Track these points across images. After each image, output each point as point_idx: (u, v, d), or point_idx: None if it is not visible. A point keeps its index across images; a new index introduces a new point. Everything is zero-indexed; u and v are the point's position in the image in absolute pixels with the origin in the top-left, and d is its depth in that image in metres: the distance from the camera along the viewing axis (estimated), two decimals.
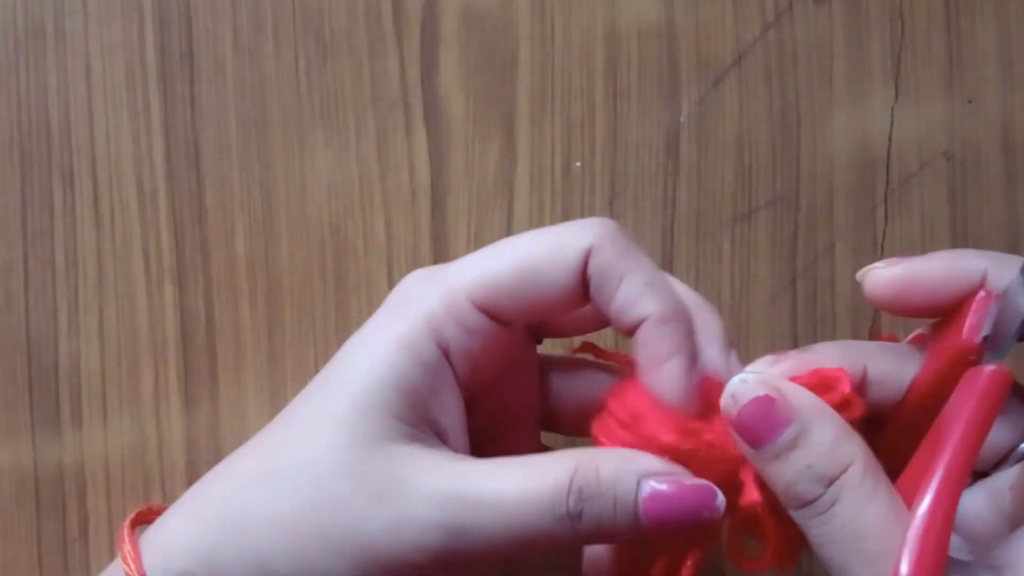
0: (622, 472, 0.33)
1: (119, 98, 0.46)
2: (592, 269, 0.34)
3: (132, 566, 0.34)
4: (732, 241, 0.46)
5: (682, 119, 0.46)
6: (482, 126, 0.46)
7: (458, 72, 0.46)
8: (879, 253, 0.46)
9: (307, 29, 0.46)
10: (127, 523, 0.36)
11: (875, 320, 0.46)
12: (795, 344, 0.46)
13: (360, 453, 0.33)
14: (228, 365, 0.45)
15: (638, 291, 0.34)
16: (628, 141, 0.46)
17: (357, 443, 0.33)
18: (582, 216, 0.46)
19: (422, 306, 0.34)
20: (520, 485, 0.33)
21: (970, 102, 0.46)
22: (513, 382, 0.38)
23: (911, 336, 0.37)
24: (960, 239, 0.46)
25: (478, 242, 0.46)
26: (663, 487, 0.32)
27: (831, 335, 0.46)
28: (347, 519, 0.33)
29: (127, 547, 0.35)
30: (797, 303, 0.46)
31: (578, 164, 0.46)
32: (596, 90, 0.46)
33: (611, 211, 0.46)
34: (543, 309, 0.35)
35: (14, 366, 0.45)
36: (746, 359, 0.46)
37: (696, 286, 0.46)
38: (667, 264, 0.46)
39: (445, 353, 0.34)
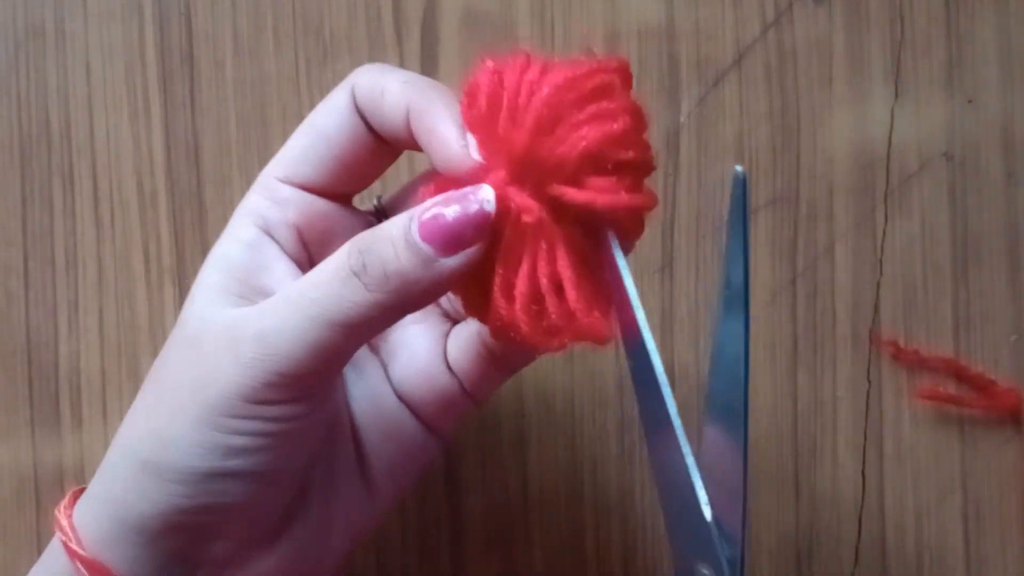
0: (396, 219, 0.33)
1: (119, 98, 0.46)
2: (359, 102, 0.35)
3: (70, 534, 0.35)
4: None
5: (682, 119, 0.46)
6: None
7: (458, 72, 0.46)
8: (879, 253, 0.46)
9: (307, 29, 0.46)
10: (66, 500, 0.37)
11: (875, 320, 0.46)
12: (795, 345, 0.46)
13: (188, 323, 0.35)
14: None
15: (398, 90, 0.34)
16: None
17: (187, 318, 0.35)
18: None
19: (243, 203, 0.37)
20: (308, 275, 0.33)
21: (970, 102, 0.46)
22: None
23: None
24: (960, 239, 0.46)
25: None
26: (430, 208, 0.32)
27: (831, 335, 0.46)
28: (175, 378, 0.34)
29: (61, 517, 0.35)
30: (797, 303, 0.46)
31: None
32: None
33: None
34: (339, 163, 0.36)
35: (14, 366, 0.45)
36: None
37: (696, 286, 0.46)
38: (667, 264, 0.46)
39: (267, 231, 0.36)
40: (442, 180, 0.33)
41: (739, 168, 0.29)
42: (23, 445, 0.45)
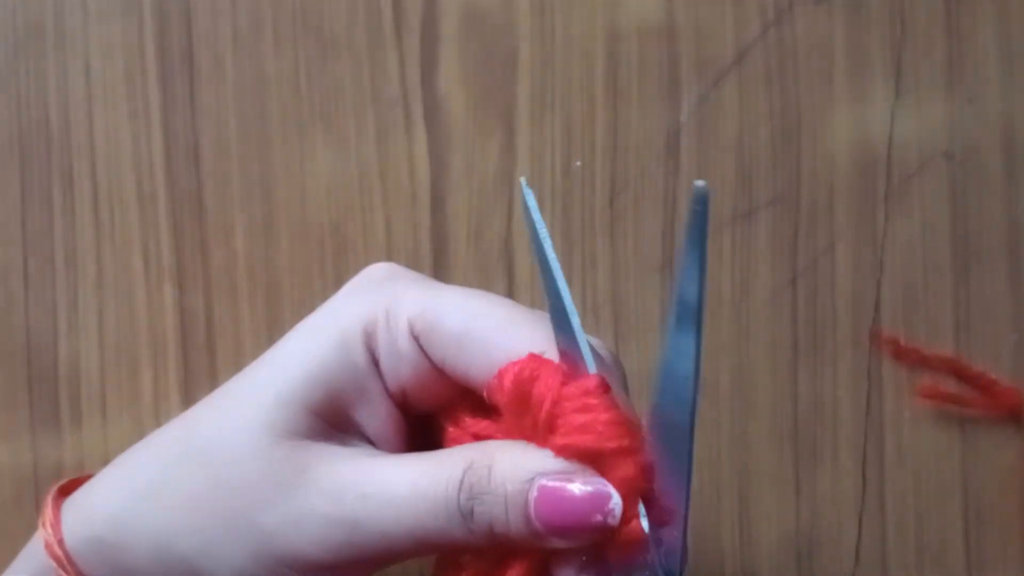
0: (516, 467, 0.31)
1: (119, 98, 0.46)
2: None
3: (50, 530, 0.34)
4: (732, 241, 0.46)
5: (682, 119, 0.46)
6: (482, 126, 0.46)
7: (458, 72, 0.46)
8: (879, 253, 0.46)
9: (307, 29, 0.46)
10: (54, 490, 0.37)
11: (875, 320, 0.46)
12: (795, 345, 0.46)
13: (272, 441, 0.33)
14: (228, 365, 0.45)
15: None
16: (628, 141, 0.46)
17: (272, 432, 0.33)
18: (583, 217, 0.46)
19: (362, 308, 0.34)
20: (415, 479, 0.32)
21: (970, 101, 0.46)
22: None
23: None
24: (960, 239, 0.46)
25: (478, 242, 0.46)
26: (555, 484, 0.31)
27: (831, 335, 0.46)
28: (248, 505, 0.33)
29: (48, 512, 0.35)
30: (797, 303, 0.46)
31: (578, 164, 0.46)
32: (596, 90, 0.46)
33: (611, 211, 0.46)
34: (470, 376, 0.33)
35: (14, 366, 0.45)
36: (746, 358, 0.46)
37: None
38: (667, 264, 0.46)
39: (376, 362, 0.34)
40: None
41: (699, 183, 0.28)
42: (22, 445, 0.45)
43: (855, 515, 0.46)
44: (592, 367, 0.32)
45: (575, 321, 0.32)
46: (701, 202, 0.28)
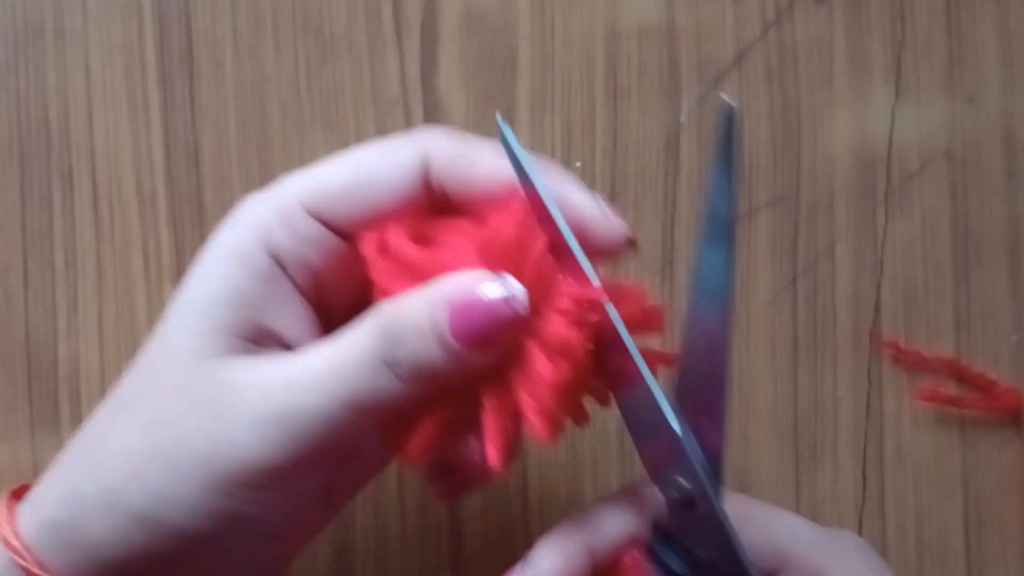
0: (424, 299, 0.31)
1: (118, 98, 0.46)
2: (437, 163, 0.33)
3: (5, 526, 0.34)
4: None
5: (682, 119, 0.46)
6: (482, 126, 0.46)
7: (458, 72, 0.46)
8: (879, 253, 0.46)
9: (307, 29, 0.46)
10: (6, 493, 0.36)
11: (876, 320, 0.46)
12: (795, 345, 0.46)
13: (192, 371, 0.33)
14: None
15: (494, 161, 0.33)
16: (628, 141, 0.46)
17: (190, 362, 0.33)
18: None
19: (252, 215, 0.34)
20: (335, 350, 0.32)
21: (971, 102, 0.46)
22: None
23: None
24: (961, 239, 0.46)
25: None
26: (463, 296, 0.31)
27: (831, 335, 0.46)
28: (181, 436, 0.32)
29: (2, 510, 0.34)
30: (797, 303, 0.46)
31: (578, 164, 0.46)
32: (596, 90, 0.46)
33: None
34: (379, 213, 0.33)
35: (14, 366, 0.45)
36: (746, 358, 0.46)
37: None
38: (667, 264, 0.46)
39: (279, 262, 0.34)
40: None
41: (728, 99, 0.29)
42: (22, 445, 0.45)
43: (855, 515, 0.46)
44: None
45: (574, 244, 0.32)
46: (728, 119, 0.29)
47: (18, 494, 0.36)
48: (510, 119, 0.46)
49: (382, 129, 0.46)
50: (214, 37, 0.46)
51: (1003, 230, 0.46)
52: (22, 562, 0.33)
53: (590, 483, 0.46)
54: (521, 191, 0.32)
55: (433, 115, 0.46)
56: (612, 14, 0.46)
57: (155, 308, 0.45)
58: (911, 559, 0.46)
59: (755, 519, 0.34)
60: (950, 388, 0.46)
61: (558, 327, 0.31)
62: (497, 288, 0.31)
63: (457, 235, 0.33)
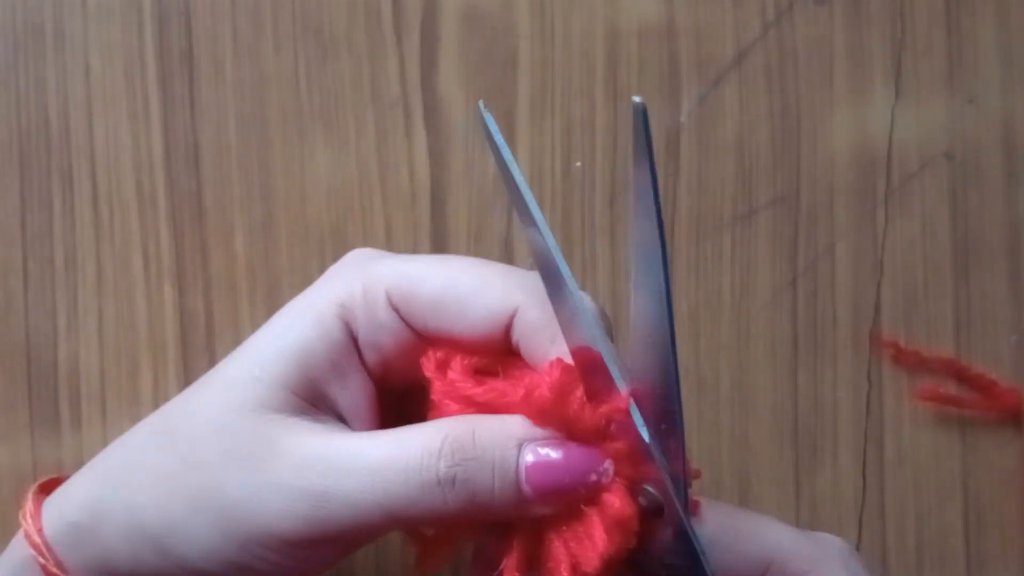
0: (501, 435, 0.31)
1: (118, 98, 0.46)
2: (520, 326, 0.33)
3: (30, 521, 0.35)
4: (732, 241, 0.46)
5: (682, 119, 0.46)
6: (482, 126, 0.46)
7: (458, 72, 0.46)
8: (879, 253, 0.46)
9: (307, 29, 0.46)
10: (35, 487, 0.37)
11: (875, 321, 0.46)
12: (795, 345, 0.46)
13: (240, 417, 0.33)
14: None
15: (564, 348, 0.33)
16: (628, 141, 0.46)
17: (240, 407, 0.33)
18: (582, 216, 0.46)
19: (340, 284, 0.34)
20: (387, 449, 0.32)
21: (970, 102, 0.46)
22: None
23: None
24: (960, 239, 0.46)
25: (478, 242, 0.46)
26: (548, 451, 0.31)
27: (831, 335, 0.46)
28: (212, 481, 0.33)
29: (29, 506, 0.35)
30: (797, 303, 0.46)
31: (578, 164, 0.46)
32: (596, 90, 0.46)
33: (611, 211, 0.46)
34: (456, 336, 0.34)
35: (14, 367, 0.45)
36: (746, 358, 0.46)
37: (696, 286, 0.46)
38: (668, 262, 0.46)
39: (354, 337, 0.34)
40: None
41: (636, 99, 0.28)
42: (22, 445, 0.45)
43: (855, 515, 0.46)
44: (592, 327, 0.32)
45: (555, 249, 0.32)
46: (641, 117, 0.28)
47: (47, 487, 0.37)
48: (510, 119, 0.46)
49: (382, 129, 0.46)
50: (214, 37, 0.46)
51: (1003, 230, 0.46)
52: (41, 559, 0.34)
53: None
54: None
55: (433, 115, 0.46)
56: (612, 14, 0.46)
57: (155, 308, 0.45)
58: (911, 559, 0.46)
59: (737, 525, 0.34)
60: (950, 388, 0.46)
61: (619, 498, 0.31)
62: (587, 457, 0.31)
63: (512, 380, 0.34)
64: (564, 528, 0.32)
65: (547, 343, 0.33)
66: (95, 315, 0.45)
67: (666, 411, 0.31)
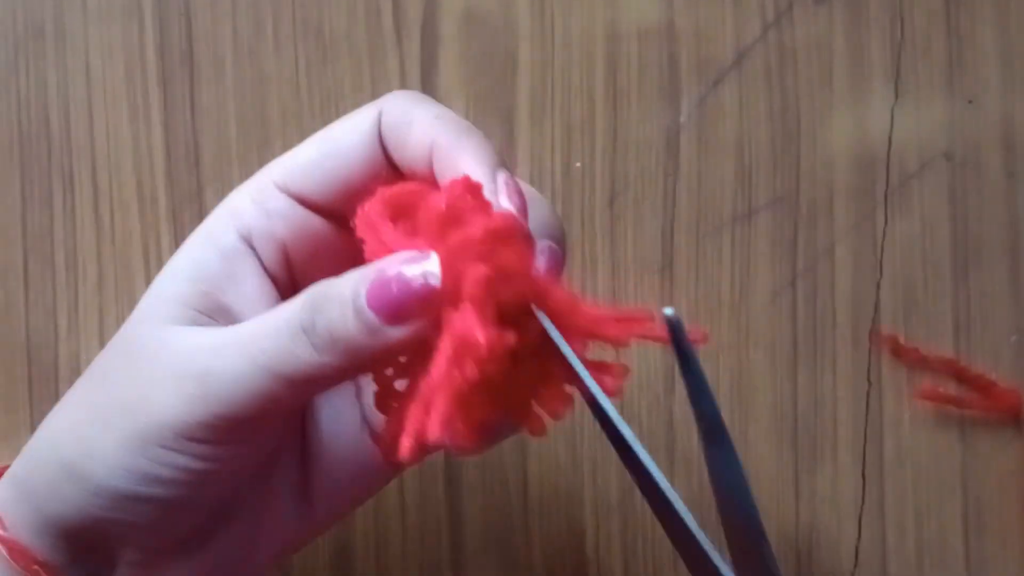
0: (353, 274, 0.31)
1: (119, 98, 0.46)
2: (384, 128, 0.34)
3: None
4: (732, 241, 0.46)
5: (682, 119, 0.46)
6: (482, 126, 0.45)
7: (458, 72, 0.46)
8: (879, 253, 0.46)
9: (307, 29, 0.46)
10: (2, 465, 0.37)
11: (875, 321, 0.46)
12: (795, 345, 0.46)
13: (137, 330, 0.34)
14: None
15: (427, 124, 0.33)
16: (628, 141, 0.46)
17: (138, 323, 0.34)
18: (583, 217, 0.46)
19: (230, 200, 0.35)
20: (262, 318, 0.32)
21: (970, 102, 0.46)
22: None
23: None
24: (960, 239, 0.46)
25: None
26: (384, 270, 0.30)
27: (831, 335, 0.46)
28: (111, 390, 0.33)
29: None
30: (797, 303, 0.46)
31: (578, 164, 0.46)
32: (596, 90, 0.46)
33: (611, 211, 0.46)
34: (348, 185, 0.34)
35: (14, 366, 0.45)
36: (746, 358, 0.46)
37: (696, 286, 0.46)
38: (667, 264, 0.46)
39: (248, 241, 0.35)
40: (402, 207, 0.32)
41: (668, 311, 0.28)
42: (23, 446, 0.45)
43: (855, 515, 0.46)
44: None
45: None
46: (675, 329, 0.28)
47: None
48: (510, 119, 0.46)
49: None
50: (214, 38, 0.46)
51: (1003, 231, 0.46)
52: None
53: (590, 483, 0.46)
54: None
55: None
56: (612, 14, 0.46)
57: None
58: (911, 559, 0.46)
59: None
60: (950, 388, 0.46)
61: (463, 320, 0.29)
62: (416, 263, 0.30)
63: (430, 212, 0.32)
64: (421, 362, 0.30)
65: (405, 129, 0.33)
66: (96, 315, 0.45)
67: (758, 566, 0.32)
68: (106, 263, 0.45)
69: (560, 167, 0.46)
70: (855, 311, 0.46)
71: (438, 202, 0.31)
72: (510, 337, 0.29)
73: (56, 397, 0.45)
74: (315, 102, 0.46)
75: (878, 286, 0.46)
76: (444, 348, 0.29)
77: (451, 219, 0.31)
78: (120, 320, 0.45)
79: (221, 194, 0.45)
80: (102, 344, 0.45)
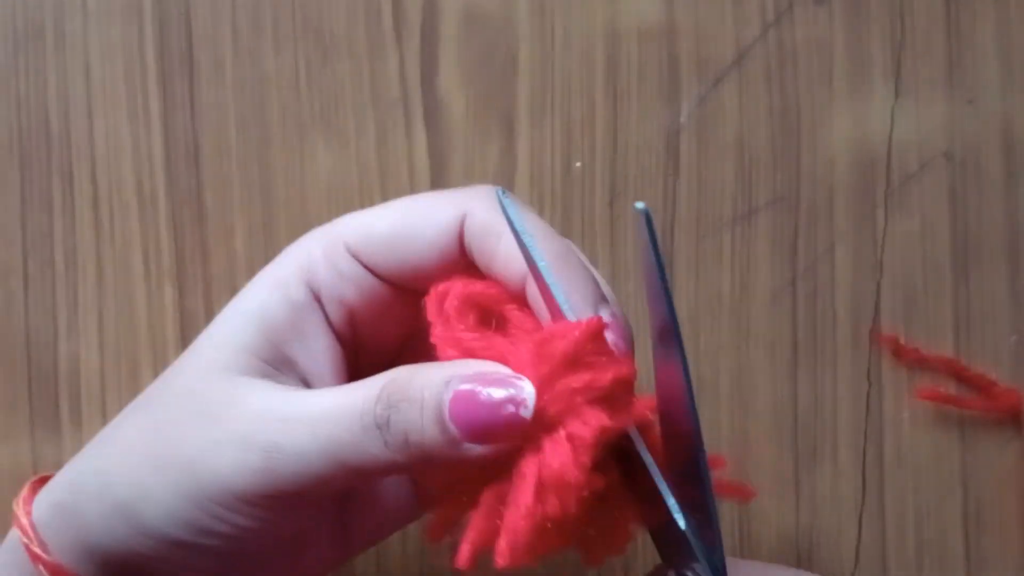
0: (435, 374, 0.31)
1: (118, 99, 0.46)
2: (468, 233, 0.33)
3: (21, 506, 0.35)
4: (732, 241, 0.46)
5: (682, 119, 0.46)
6: (482, 126, 0.46)
7: (458, 72, 0.46)
8: (879, 253, 0.46)
9: (307, 29, 0.46)
10: (35, 477, 0.37)
11: (875, 320, 0.46)
12: (795, 345, 0.46)
13: (204, 379, 0.33)
14: None
15: (512, 250, 0.33)
16: (628, 141, 0.46)
17: (205, 371, 0.34)
18: (583, 217, 0.46)
19: (300, 250, 0.35)
20: (332, 397, 0.32)
21: (970, 102, 0.46)
22: (411, 353, 0.36)
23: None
24: (960, 239, 0.46)
25: None
26: (470, 385, 0.30)
27: (831, 335, 0.46)
28: (175, 438, 0.33)
29: (24, 492, 0.36)
30: (797, 303, 0.46)
31: (578, 164, 0.46)
32: (596, 90, 0.46)
33: (611, 211, 0.46)
34: (418, 266, 0.34)
35: (14, 367, 0.45)
36: (746, 358, 0.46)
37: (696, 286, 0.46)
38: (667, 264, 0.46)
39: (317, 296, 0.34)
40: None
41: (639, 205, 0.28)
42: (22, 446, 0.45)
43: (855, 515, 0.46)
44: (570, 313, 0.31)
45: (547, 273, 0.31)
46: (646, 223, 0.28)
47: (45, 480, 0.37)
48: (510, 119, 0.46)
49: (382, 129, 0.46)
50: (214, 38, 0.46)
51: (1003, 231, 0.46)
52: (25, 540, 0.34)
53: None
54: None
55: (433, 115, 0.46)
56: (612, 14, 0.46)
57: (155, 308, 0.45)
58: (911, 559, 0.46)
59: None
60: (950, 388, 0.46)
61: (560, 458, 0.29)
62: (507, 387, 0.30)
63: (519, 327, 0.32)
64: (501, 482, 0.30)
65: (495, 241, 0.33)
66: (95, 315, 0.45)
67: (694, 478, 0.31)
68: (106, 263, 0.45)
69: (560, 167, 0.46)
70: (855, 311, 0.46)
71: (554, 335, 0.30)
72: (601, 480, 0.30)
73: (56, 397, 0.45)
74: (315, 102, 0.46)
75: (878, 286, 0.46)
76: (530, 476, 0.29)
77: (570, 358, 0.30)
78: (119, 320, 0.45)
79: (221, 194, 0.45)
80: (101, 344, 0.45)
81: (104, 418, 0.45)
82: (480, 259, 0.33)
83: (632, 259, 0.46)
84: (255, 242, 0.45)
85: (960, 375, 0.46)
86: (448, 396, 0.30)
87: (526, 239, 0.31)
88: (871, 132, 0.46)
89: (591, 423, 0.29)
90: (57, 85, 0.45)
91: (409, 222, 0.34)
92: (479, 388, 0.30)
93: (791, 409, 0.46)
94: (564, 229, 0.46)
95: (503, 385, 0.30)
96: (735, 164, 0.46)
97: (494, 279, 0.33)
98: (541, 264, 0.31)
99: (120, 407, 0.45)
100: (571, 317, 0.31)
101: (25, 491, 0.36)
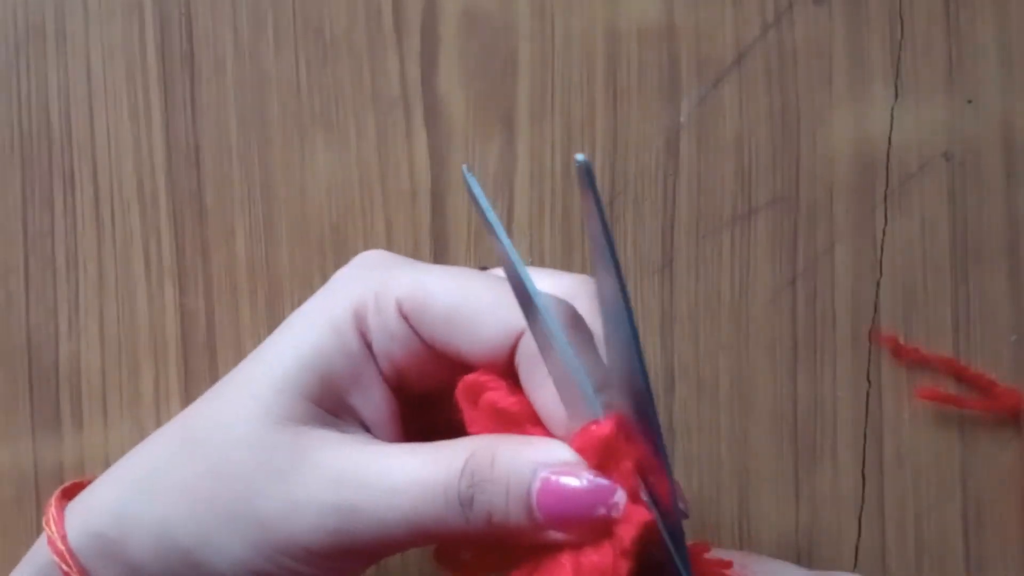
0: (519, 459, 0.31)
1: (119, 98, 0.46)
2: (522, 350, 0.33)
3: (54, 529, 0.35)
4: (732, 241, 0.46)
5: (682, 119, 0.46)
6: (482, 126, 0.46)
7: (458, 72, 0.46)
8: (879, 253, 0.46)
9: (307, 29, 0.46)
10: (58, 492, 0.37)
11: (875, 320, 0.46)
12: (795, 345, 0.46)
13: (269, 428, 0.33)
14: (228, 365, 0.45)
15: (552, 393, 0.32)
16: (628, 141, 0.46)
17: (268, 419, 0.33)
18: (582, 217, 0.46)
19: (353, 292, 0.35)
20: (415, 467, 0.32)
21: (970, 102, 0.46)
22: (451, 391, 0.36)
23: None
24: (960, 239, 0.46)
25: (478, 242, 0.46)
26: (559, 478, 0.31)
27: (831, 335, 0.46)
28: (246, 493, 0.33)
29: (52, 511, 0.35)
30: (797, 303, 0.46)
31: (579, 156, 0.46)
32: (596, 90, 0.46)
33: (611, 211, 0.46)
34: (466, 352, 0.34)
35: (14, 366, 0.45)
36: (746, 358, 0.46)
37: (696, 286, 0.46)
38: (667, 264, 0.46)
39: (368, 345, 0.34)
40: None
41: (580, 157, 0.28)
42: (23, 445, 0.45)
43: (855, 515, 0.46)
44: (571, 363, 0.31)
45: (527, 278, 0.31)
46: (586, 174, 0.28)
47: (68, 492, 0.37)
48: (510, 119, 0.46)
49: (382, 129, 0.46)
50: (214, 38, 0.46)
51: (1002, 230, 0.46)
52: (64, 567, 0.34)
53: None
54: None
55: (433, 116, 0.46)
56: (612, 14, 0.46)
57: (156, 308, 0.45)
58: (911, 559, 0.46)
59: (755, 572, 0.35)
60: (950, 388, 0.46)
61: (604, 556, 0.30)
62: (601, 488, 0.30)
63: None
64: (580, 556, 0.31)
65: (543, 377, 0.32)
66: (96, 315, 0.45)
67: (648, 435, 0.31)
68: (106, 263, 0.45)
69: (560, 167, 0.46)
70: (855, 311, 0.46)
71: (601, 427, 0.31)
72: (632, 570, 0.31)
73: (56, 397, 0.45)
74: (315, 102, 0.46)
75: (878, 286, 0.46)
76: (568, 564, 0.31)
77: (608, 449, 0.31)
78: (119, 319, 0.45)
79: (221, 194, 0.45)
80: (102, 344, 0.45)
81: (104, 418, 0.45)
82: (524, 380, 0.33)
83: (632, 257, 0.46)
84: (256, 242, 0.46)
85: (960, 375, 0.46)
86: (536, 486, 0.31)
87: (502, 237, 0.31)
88: (871, 132, 0.46)
89: (639, 519, 0.30)
90: (58, 85, 0.45)
91: (469, 310, 0.33)
92: (571, 484, 0.30)
93: (791, 409, 0.46)
94: (564, 229, 0.46)
95: (595, 485, 0.30)
96: (735, 164, 0.46)
97: (526, 398, 0.33)
98: (559, 341, 0.31)
99: (120, 407, 0.45)
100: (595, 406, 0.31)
101: (53, 509, 0.35)
